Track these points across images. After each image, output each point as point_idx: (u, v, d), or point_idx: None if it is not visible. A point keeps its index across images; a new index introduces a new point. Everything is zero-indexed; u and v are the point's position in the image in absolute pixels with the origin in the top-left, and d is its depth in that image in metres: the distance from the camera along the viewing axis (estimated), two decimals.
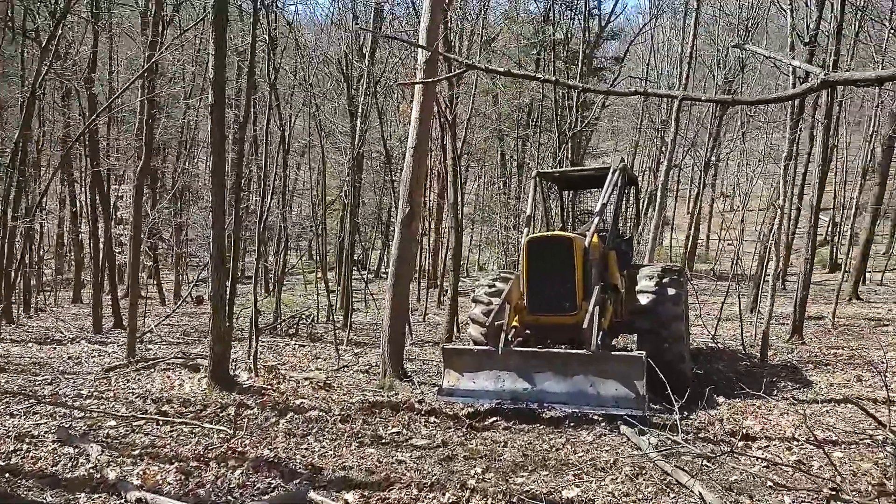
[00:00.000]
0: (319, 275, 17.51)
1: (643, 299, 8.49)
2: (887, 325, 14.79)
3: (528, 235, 8.31)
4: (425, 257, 23.72)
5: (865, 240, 20.77)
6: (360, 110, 14.09)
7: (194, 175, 27.47)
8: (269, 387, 8.89)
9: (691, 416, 7.34)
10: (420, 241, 21.62)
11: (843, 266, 19.01)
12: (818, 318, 15.64)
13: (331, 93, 19.17)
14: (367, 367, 10.61)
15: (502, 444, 6.45)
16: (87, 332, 14.88)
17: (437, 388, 7.98)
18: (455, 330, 12.68)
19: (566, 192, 11.02)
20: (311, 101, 13.86)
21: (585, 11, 24.25)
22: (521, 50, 28.41)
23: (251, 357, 9.48)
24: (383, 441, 6.54)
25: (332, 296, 18.72)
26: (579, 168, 10.38)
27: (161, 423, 7.08)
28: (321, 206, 15.42)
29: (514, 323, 8.36)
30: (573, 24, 25.76)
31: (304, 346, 12.93)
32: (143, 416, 7.32)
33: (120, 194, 21.56)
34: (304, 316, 14.67)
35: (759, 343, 10.79)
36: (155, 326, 14.93)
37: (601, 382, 7.04)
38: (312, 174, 28.04)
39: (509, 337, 8.20)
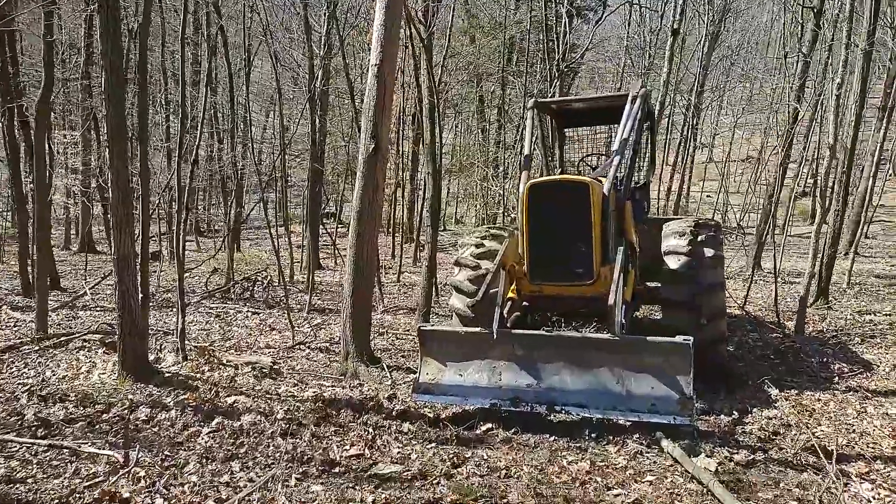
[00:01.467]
0: (276, 231, 15.23)
1: (673, 262, 6.50)
2: None
3: (527, 180, 6.21)
4: (400, 209, 21.53)
5: (865, 189, 19.00)
6: (321, 39, 11.68)
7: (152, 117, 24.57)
8: (200, 375, 6.81)
9: (746, 419, 5.43)
10: (393, 191, 19.34)
11: (839, 218, 17.37)
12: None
13: (287, 21, 16.60)
14: (328, 342, 8.54)
15: (503, 471, 4.47)
16: (15, 295, 12.55)
17: (412, 380, 5.98)
18: (434, 294, 10.62)
19: (565, 132, 8.86)
20: (264, 29, 11.37)
21: None
22: None
23: (179, 335, 7.34)
24: (336, 470, 4.52)
25: (301, 252, 16.61)
26: (588, 97, 8.17)
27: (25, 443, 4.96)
28: (280, 151, 13.06)
29: (511, 294, 6.33)
30: None
31: (258, 313, 10.80)
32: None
33: (72, 140, 18.87)
34: (260, 278, 12.48)
35: (781, 308, 8.97)
36: (89, 289, 12.63)
37: (632, 378, 5.08)
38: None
39: (504, 313, 6.18)
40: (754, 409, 5.56)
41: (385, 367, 6.88)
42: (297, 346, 8.25)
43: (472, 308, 6.73)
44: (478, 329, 5.65)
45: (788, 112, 20.94)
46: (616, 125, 8.60)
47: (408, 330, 9.14)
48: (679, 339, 5.00)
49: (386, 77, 6.72)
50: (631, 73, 30.19)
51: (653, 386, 5.00)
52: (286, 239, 14.55)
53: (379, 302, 10.34)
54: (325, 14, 11.64)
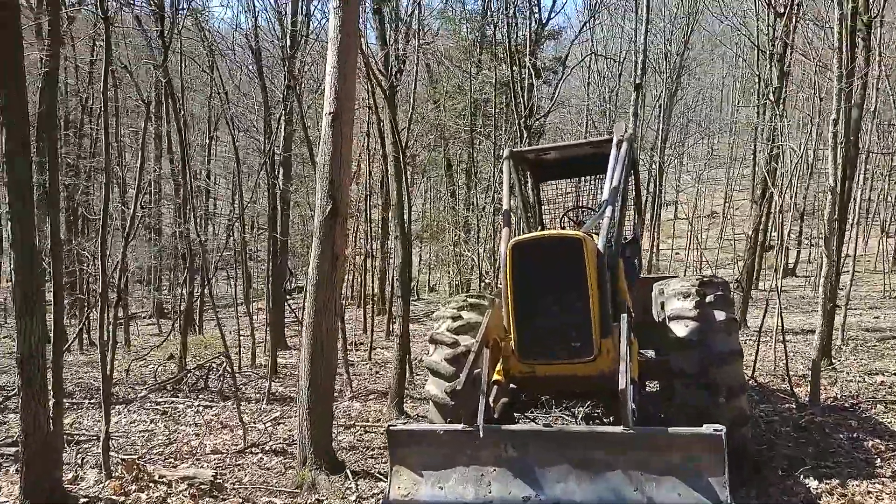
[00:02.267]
0: (244, 309, 13.93)
1: (679, 329, 5.47)
2: None
3: (509, 238, 5.20)
4: (371, 279, 20.37)
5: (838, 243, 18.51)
6: (281, 101, 10.81)
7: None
8: (123, 499, 5.47)
9: None
10: (363, 259, 18.26)
11: (835, 270, 16.85)
12: (811, 332, 13.04)
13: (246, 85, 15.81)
14: (286, 441, 7.21)
15: None
16: None
17: (382, 493, 4.74)
18: (409, 373, 9.40)
19: (541, 187, 7.94)
20: (215, 81, 10.49)
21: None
22: (461, 50, 25.71)
23: (102, 448, 5.99)
24: None
25: (265, 332, 15.25)
26: (568, 144, 7.26)
27: None
28: (240, 221, 11.98)
29: (496, 376, 5.20)
30: (512, 22, 23.21)
31: (210, 406, 9.42)
32: None
33: None
34: (215, 364, 11.11)
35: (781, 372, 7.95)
36: None
37: (654, 483, 3.94)
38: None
39: (490, 400, 5.06)
40: None
41: (349, 474, 5.59)
42: (249, 450, 6.91)
43: (452, 394, 5.59)
44: (460, 426, 4.47)
45: (756, 163, 20.74)
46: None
47: (379, 419, 7.85)
48: (708, 429, 3.91)
49: (342, 127, 5.74)
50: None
51: (679, 492, 3.86)
52: (249, 319, 13.23)
53: (346, 387, 9.08)
54: (283, 74, 10.82)
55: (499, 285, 6.97)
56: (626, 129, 6.16)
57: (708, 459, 3.81)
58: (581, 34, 27.59)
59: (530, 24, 21.91)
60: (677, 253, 32.07)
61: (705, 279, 5.71)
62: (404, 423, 4.62)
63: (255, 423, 8.13)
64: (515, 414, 5.35)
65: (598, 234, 5.18)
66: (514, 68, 12.75)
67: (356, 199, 20.53)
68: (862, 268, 24.69)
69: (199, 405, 9.52)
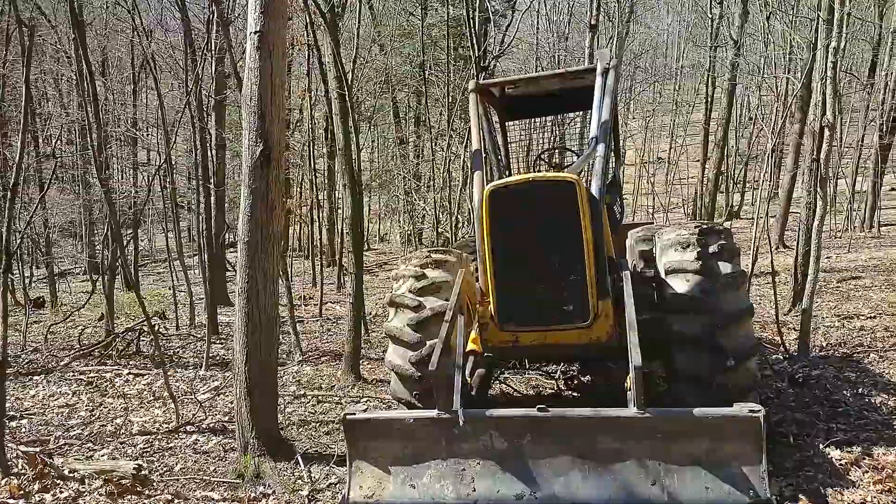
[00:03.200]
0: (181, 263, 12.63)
1: (679, 285, 4.67)
2: (858, 278, 12.05)
3: (482, 184, 4.26)
4: (318, 230, 19.15)
5: (790, 181, 18.28)
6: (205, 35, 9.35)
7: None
8: (23, 502, 4.43)
9: None
10: (309, 209, 17.01)
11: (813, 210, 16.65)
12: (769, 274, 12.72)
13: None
14: (227, 416, 6.24)
15: None
16: None
17: (340, 483, 3.88)
18: (365, 331, 8.47)
19: (507, 126, 6.96)
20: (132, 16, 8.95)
21: None
22: None
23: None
24: None
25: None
26: (545, 74, 6.23)
27: None
28: (166, 169, 10.60)
29: (472, 345, 4.34)
30: None
31: (142, 374, 8.30)
32: None
33: None
34: (145, 328, 9.90)
35: (777, 319, 7.40)
36: None
37: (675, 475, 3.19)
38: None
39: (467, 374, 4.22)
40: (828, 492, 3.77)
41: (300, 459, 4.69)
42: (183, 428, 5.92)
43: (418, 364, 4.72)
44: (433, 413, 3.59)
45: (709, 107, 20.29)
46: (575, 112, 6.85)
47: (333, 385, 6.95)
48: (743, 409, 3.16)
49: (272, 47, 4.59)
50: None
51: (708, 485, 3.12)
52: (185, 274, 11.97)
53: (295, 349, 8.10)
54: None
55: (466, 237, 5.96)
56: (611, 57, 5.22)
57: (743, 446, 3.08)
58: None
59: None
60: (625, 198, 31.86)
61: (705, 226, 4.91)
62: (364, 410, 3.70)
63: (190, 394, 7.10)
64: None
65: (585, 176, 4.28)
66: (466, 3, 11.51)
67: (299, 147, 19.11)
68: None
69: (128, 374, 8.39)
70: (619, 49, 27.20)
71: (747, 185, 29.67)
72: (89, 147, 10.64)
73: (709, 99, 19.75)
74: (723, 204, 28.43)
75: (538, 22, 28.77)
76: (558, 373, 6.28)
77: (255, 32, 4.54)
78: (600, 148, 4.36)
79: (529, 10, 25.27)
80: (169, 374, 8.38)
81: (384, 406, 5.93)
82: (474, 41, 10.51)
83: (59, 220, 19.94)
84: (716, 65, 20.16)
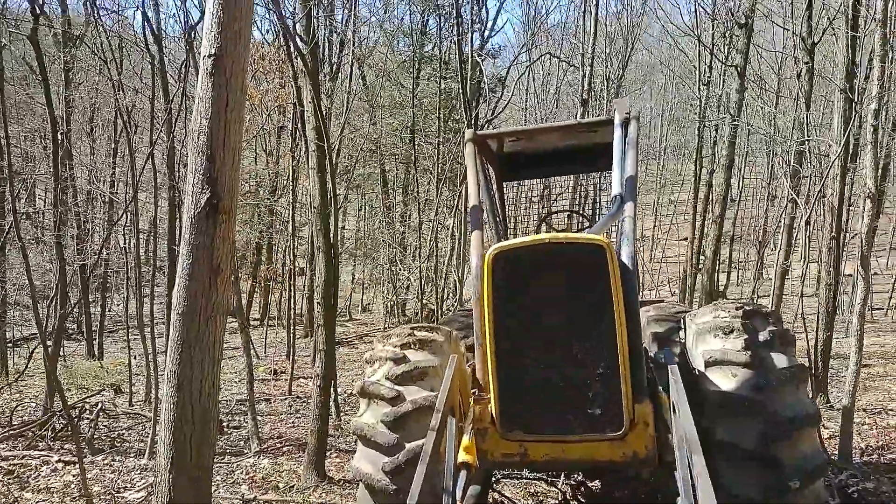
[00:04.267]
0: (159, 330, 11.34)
1: (724, 381, 3.64)
2: (868, 366, 11.09)
3: (481, 244, 3.30)
4: (294, 298, 17.96)
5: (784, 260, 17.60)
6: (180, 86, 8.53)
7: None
8: None
9: None
10: (288, 277, 15.88)
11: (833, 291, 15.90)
12: None
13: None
14: None
15: None
16: None
17: None
18: (336, 414, 7.27)
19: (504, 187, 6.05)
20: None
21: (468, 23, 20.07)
22: (398, 64, 23.95)
23: None
24: None
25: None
26: (546, 126, 5.37)
27: None
28: (130, 225, 9.56)
29: (464, 455, 3.23)
30: (451, 39, 21.73)
31: (73, 463, 6.96)
32: None
33: None
34: (89, 405, 8.59)
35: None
36: None
37: None
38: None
39: (457, 493, 3.12)
40: None
41: None
42: None
43: (392, 473, 3.61)
44: None
45: (698, 181, 19.87)
46: (582, 173, 6.02)
47: (292, 485, 5.69)
48: None
49: (229, 77, 3.69)
50: None
51: None
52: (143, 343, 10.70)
53: (252, 438, 6.84)
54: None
55: (454, 311, 4.95)
56: (629, 106, 4.41)
57: None
58: (520, 55, 26.49)
59: (472, 35, 20.44)
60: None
61: (749, 308, 3.94)
62: None
63: (121, 489, 5.83)
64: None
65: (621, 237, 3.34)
66: (461, 65, 10.97)
67: (284, 211, 18.20)
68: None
69: (58, 461, 7.06)
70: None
71: (733, 265, 29.14)
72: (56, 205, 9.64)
73: (697, 178, 19.32)
74: (707, 283, 27.82)
75: (527, 99, 28.94)
76: (561, 479, 5.13)
77: (210, 56, 3.63)
78: (628, 206, 3.45)
79: (518, 86, 25.37)
80: (106, 462, 7.11)
81: None
82: (467, 100, 9.85)
83: (24, 281, 18.63)
84: (703, 144, 19.88)
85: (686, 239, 22.69)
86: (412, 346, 4.19)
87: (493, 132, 5.16)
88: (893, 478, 5.21)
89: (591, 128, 4.68)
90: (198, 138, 3.78)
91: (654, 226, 34.12)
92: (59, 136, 7.87)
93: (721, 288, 27.30)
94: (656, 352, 3.76)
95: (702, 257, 23.74)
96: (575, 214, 5.41)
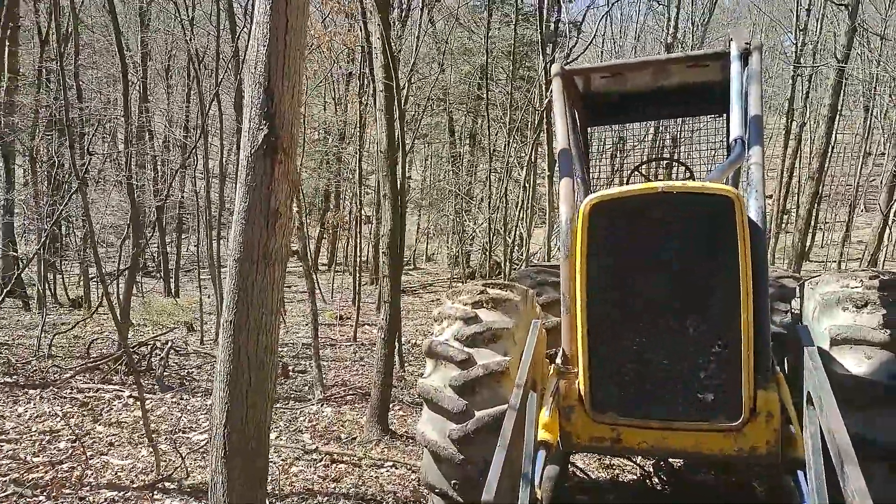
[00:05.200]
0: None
1: (855, 362, 3.03)
2: None
3: (575, 194, 2.76)
4: (365, 245, 17.87)
5: (882, 223, 15.97)
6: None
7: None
8: None
9: None
10: (353, 226, 15.74)
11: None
12: None
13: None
14: None
15: None
16: None
17: None
18: (399, 365, 7.01)
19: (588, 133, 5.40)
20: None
21: None
22: (470, 10, 22.87)
23: None
24: None
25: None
26: (649, 59, 4.64)
27: None
28: (197, 167, 9.48)
29: (545, 433, 2.80)
30: None
31: (145, 398, 7.03)
32: None
33: None
34: (159, 344, 8.70)
35: None
36: None
37: None
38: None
39: (537, 472, 2.69)
40: None
41: None
42: (161, 484, 4.56)
43: (461, 441, 3.25)
44: None
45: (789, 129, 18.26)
46: (684, 117, 5.33)
47: (354, 437, 5.48)
48: None
49: (291, 5, 3.25)
50: None
51: None
52: (214, 284, 10.80)
53: (316, 385, 6.68)
54: None
55: (527, 267, 4.51)
56: (748, 35, 3.70)
57: None
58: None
59: None
60: None
61: (885, 276, 3.28)
62: None
63: (187, 430, 5.79)
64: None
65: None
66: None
67: (351, 159, 17.93)
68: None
69: (129, 396, 7.15)
70: None
71: (818, 226, 27.11)
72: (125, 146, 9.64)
73: (788, 130, 17.75)
74: (788, 245, 26.05)
75: (602, 43, 27.33)
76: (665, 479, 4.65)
77: None
78: (755, 152, 2.83)
79: (596, 31, 23.82)
80: (174, 400, 7.15)
81: (411, 482, 4.43)
82: (543, 40, 9.04)
83: (112, 220, 19.34)
84: (796, 96, 18.16)
85: (770, 197, 21.16)
86: (484, 304, 3.76)
87: (581, 67, 4.52)
88: None
89: (700, 62, 3.98)
90: (255, 68, 3.38)
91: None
92: (131, 78, 7.67)
93: (805, 250, 25.53)
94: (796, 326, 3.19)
95: (785, 216, 22.09)
96: (678, 164, 4.74)
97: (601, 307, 2.48)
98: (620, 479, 4.42)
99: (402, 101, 7.61)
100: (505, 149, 17.93)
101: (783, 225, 17.83)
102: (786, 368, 3.39)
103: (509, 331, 3.47)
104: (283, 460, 4.86)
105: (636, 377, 2.47)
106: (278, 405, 6.39)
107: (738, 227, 2.30)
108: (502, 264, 10.85)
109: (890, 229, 21.41)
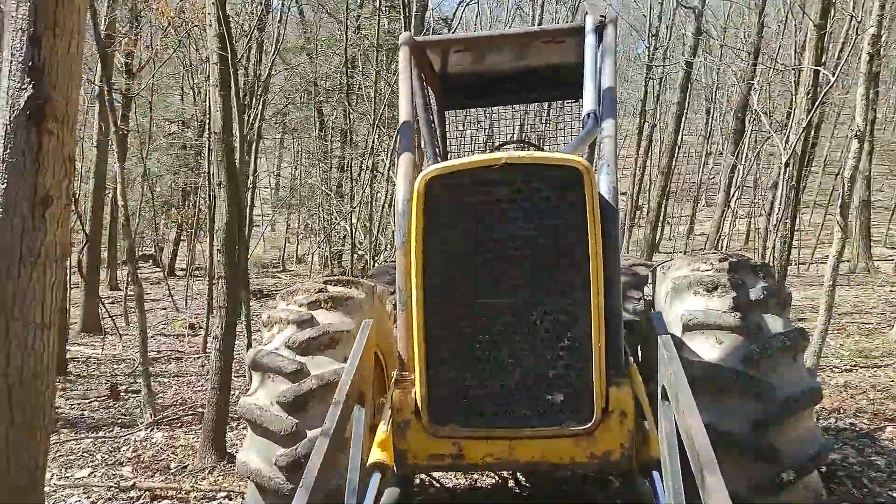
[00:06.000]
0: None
1: (706, 348, 2.90)
2: (801, 320, 10.90)
3: (412, 167, 2.35)
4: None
5: (720, 214, 17.44)
6: None
7: None
8: None
9: None
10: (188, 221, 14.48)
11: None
12: None
13: None
14: None
15: None
16: None
17: None
18: (249, 379, 6.28)
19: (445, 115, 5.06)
20: None
21: None
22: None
23: None
24: None
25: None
26: (506, 32, 4.35)
27: None
28: None
29: (380, 454, 2.37)
30: None
31: None
32: None
33: None
34: None
35: None
36: None
37: None
38: None
39: (370, 498, 2.22)
40: None
41: None
42: None
43: (289, 471, 2.76)
44: None
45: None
46: (545, 100, 5.17)
47: (185, 465, 4.74)
48: None
49: None
50: None
51: None
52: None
53: (145, 406, 5.78)
54: None
55: (387, 261, 4.06)
56: (603, 9, 3.54)
57: None
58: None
59: None
60: None
61: (734, 258, 3.20)
62: None
63: None
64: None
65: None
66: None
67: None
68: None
69: None
70: None
71: (666, 220, 29.29)
72: None
73: (640, 130, 18.91)
74: (640, 238, 27.92)
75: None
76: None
77: None
78: (608, 125, 2.58)
79: (465, 25, 23.94)
80: None
81: None
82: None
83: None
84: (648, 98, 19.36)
85: (625, 194, 22.47)
86: (322, 304, 3.27)
87: (434, 38, 4.15)
88: (858, 447, 4.74)
89: (557, 37, 3.76)
90: (16, 10, 2.68)
91: None
92: None
93: (656, 242, 27.41)
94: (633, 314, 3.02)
95: (638, 212, 23.56)
96: (530, 146, 4.53)
97: (440, 301, 2.10)
98: (479, 485, 4.11)
99: (264, 92, 6.87)
100: (370, 141, 17.41)
101: (636, 220, 18.95)
102: (639, 358, 3.24)
103: (350, 333, 3.03)
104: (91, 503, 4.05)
105: (479, 381, 2.11)
106: (99, 434, 5.45)
107: (587, 202, 2.01)
108: (369, 263, 10.37)
109: (728, 221, 23.55)
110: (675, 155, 11.59)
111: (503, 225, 2.06)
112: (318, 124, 22.87)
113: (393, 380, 2.30)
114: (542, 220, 2.04)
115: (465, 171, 2.05)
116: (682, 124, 12.49)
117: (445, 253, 2.09)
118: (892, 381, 6.50)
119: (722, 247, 16.19)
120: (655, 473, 2.14)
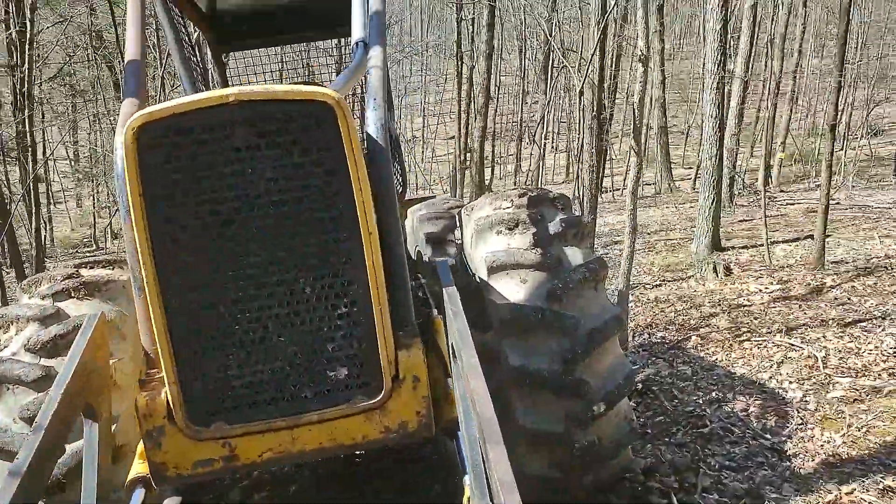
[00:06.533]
0: None
1: (510, 288, 2.82)
2: (617, 242, 11.81)
3: (133, 112, 1.84)
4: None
5: (540, 154, 18.23)
6: None
7: None
8: None
9: None
10: None
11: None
12: None
13: None
14: None
15: None
16: None
17: None
18: None
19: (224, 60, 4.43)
20: None
21: None
22: None
23: None
24: None
25: None
26: None
27: None
28: None
29: (141, 468, 1.94)
30: None
31: None
32: None
33: None
34: None
35: None
36: None
37: None
38: None
39: None
40: None
41: None
42: None
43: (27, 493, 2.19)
44: None
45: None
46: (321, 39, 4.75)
47: None
48: None
49: None
50: None
51: None
52: None
53: None
54: None
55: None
56: None
57: None
58: None
59: None
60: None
61: (532, 193, 3.11)
62: None
63: None
64: None
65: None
66: None
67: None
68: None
69: None
70: None
71: (496, 161, 30.29)
72: None
73: (459, 73, 18.93)
74: (476, 177, 28.65)
75: None
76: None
77: None
78: (375, 53, 2.25)
79: None
80: None
81: None
82: None
83: None
84: (462, 39, 19.39)
85: (453, 137, 22.68)
86: (73, 293, 2.71)
87: None
88: (668, 359, 5.13)
89: None
90: None
91: (423, 126, 33.91)
92: None
93: (487, 183, 28.30)
94: (431, 258, 2.82)
95: (468, 154, 24.08)
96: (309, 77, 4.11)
97: (179, 280, 1.69)
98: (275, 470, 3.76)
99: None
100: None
101: (466, 162, 19.31)
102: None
103: (112, 323, 2.52)
104: None
105: (245, 367, 1.77)
106: None
107: (344, 143, 1.69)
108: None
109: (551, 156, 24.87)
110: (490, 94, 11.77)
111: (246, 178, 1.68)
112: (111, 83, 20.14)
113: (137, 382, 1.87)
114: (293, 169, 1.69)
115: (185, 113, 1.62)
116: (497, 64, 12.68)
117: (177, 220, 1.67)
118: (696, 291, 7.19)
119: (543, 182, 17.03)
120: (459, 434, 1.98)
